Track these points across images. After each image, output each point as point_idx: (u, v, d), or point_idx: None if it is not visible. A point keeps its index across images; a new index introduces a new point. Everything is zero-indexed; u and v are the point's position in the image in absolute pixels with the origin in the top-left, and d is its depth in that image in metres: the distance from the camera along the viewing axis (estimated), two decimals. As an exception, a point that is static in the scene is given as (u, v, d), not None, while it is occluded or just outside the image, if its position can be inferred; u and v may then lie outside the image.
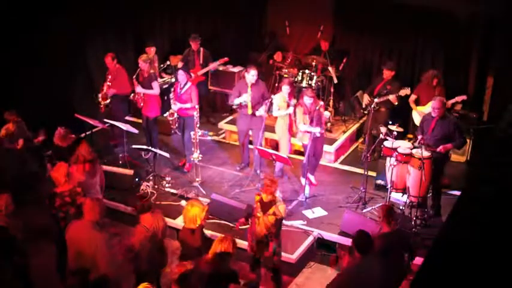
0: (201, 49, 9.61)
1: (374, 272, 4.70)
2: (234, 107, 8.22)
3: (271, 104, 7.76)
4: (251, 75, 7.82)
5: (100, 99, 8.57)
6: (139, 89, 8.27)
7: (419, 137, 6.96)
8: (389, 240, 5.16)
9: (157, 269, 5.47)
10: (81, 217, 5.16)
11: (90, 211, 5.09)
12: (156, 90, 8.29)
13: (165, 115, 8.20)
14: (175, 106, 8.00)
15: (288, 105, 7.76)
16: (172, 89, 8.12)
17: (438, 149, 6.69)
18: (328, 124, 8.98)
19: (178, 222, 7.02)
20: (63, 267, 5.93)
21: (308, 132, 7.44)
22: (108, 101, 8.58)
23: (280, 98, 7.74)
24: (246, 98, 7.89)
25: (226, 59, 9.87)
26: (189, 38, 9.60)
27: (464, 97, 8.23)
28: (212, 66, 9.76)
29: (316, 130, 7.37)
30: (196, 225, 5.27)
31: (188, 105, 7.92)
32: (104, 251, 5.00)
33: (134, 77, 8.29)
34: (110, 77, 8.61)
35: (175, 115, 8.04)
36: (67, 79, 9.14)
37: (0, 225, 5.34)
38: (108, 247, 5.11)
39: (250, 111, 7.96)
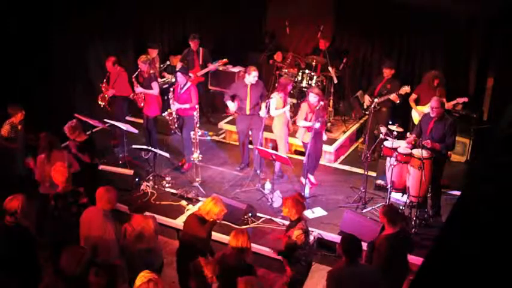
0: (201, 49, 9.62)
1: (368, 277, 4.68)
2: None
3: (270, 103, 7.74)
4: (252, 76, 7.81)
5: (100, 101, 8.58)
6: (139, 89, 8.29)
7: (412, 136, 6.96)
8: (394, 242, 5.12)
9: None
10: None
11: (100, 199, 5.25)
12: (155, 90, 8.30)
13: (163, 114, 8.21)
14: (174, 106, 8.01)
15: (284, 104, 7.76)
16: (171, 89, 8.13)
17: (424, 142, 6.66)
18: (328, 124, 8.99)
19: (179, 222, 7.03)
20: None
21: (308, 128, 7.42)
22: (105, 102, 8.57)
23: (278, 98, 7.73)
24: (232, 106, 7.98)
25: (225, 60, 9.89)
26: (189, 38, 9.61)
27: (465, 99, 8.23)
28: (212, 67, 9.77)
29: (315, 125, 7.34)
30: (209, 218, 5.29)
31: (187, 106, 7.92)
32: (113, 238, 5.16)
33: (134, 76, 8.30)
34: (105, 80, 8.60)
35: (174, 115, 8.05)
36: (67, 79, 9.14)
37: (24, 225, 5.31)
38: (117, 234, 5.22)
39: (248, 112, 7.96)
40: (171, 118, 8.07)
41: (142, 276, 4.25)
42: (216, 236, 6.23)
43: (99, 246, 5.21)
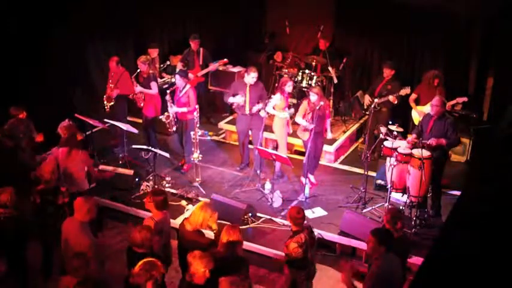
0: (201, 49, 9.61)
1: (397, 268, 4.73)
2: (229, 103, 8.23)
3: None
4: (251, 77, 7.82)
5: (105, 101, 8.58)
6: (138, 88, 8.30)
7: (412, 137, 6.96)
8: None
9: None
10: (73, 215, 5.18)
11: (78, 210, 5.08)
12: (154, 90, 8.29)
13: (161, 117, 8.19)
14: (171, 109, 8.00)
15: (286, 104, 7.76)
16: (168, 92, 8.11)
17: (429, 141, 6.67)
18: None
19: (179, 222, 7.02)
20: (49, 266, 5.97)
21: (306, 129, 7.44)
22: (112, 102, 8.58)
23: (280, 98, 7.73)
24: (240, 100, 7.90)
25: (225, 60, 9.89)
26: (189, 38, 9.61)
27: (465, 99, 8.23)
28: (212, 67, 9.77)
29: (308, 125, 7.38)
30: (205, 227, 5.24)
31: (185, 109, 7.91)
32: (88, 251, 4.92)
33: (133, 76, 8.31)
34: (110, 80, 8.60)
35: (171, 117, 8.04)
36: (67, 79, 9.14)
37: (15, 215, 5.34)
38: (93, 249, 4.99)
39: (247, 112, 7.96)
40: (168, 121, 8.06)
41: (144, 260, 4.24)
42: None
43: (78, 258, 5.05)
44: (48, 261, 6.00)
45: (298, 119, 7.57)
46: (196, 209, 5.25)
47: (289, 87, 7.74)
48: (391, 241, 4.69)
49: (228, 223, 6.81)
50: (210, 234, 5.54)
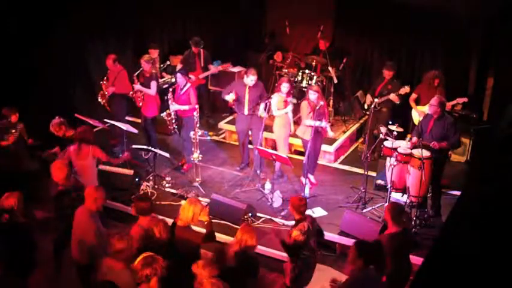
0: (201, 51, 9.59)
1: (372, 284, 4.68)
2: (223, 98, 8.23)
3: (270, 104, 7.73)
4: (250, 79, 7.82)
5: (100, 99, 8.58)
6: (137, 86, 8.30)
7: (414, 139, 6.96)
8: (399, 241, 5.12)
9: None
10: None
11: (87, 198, 5.16)
12: (152, 90, 8.29)
13: (162, 115, 8.22)
14: (172, 106, 8.01)
15: (286, 104, 7.75)
16: (170, 90, 8.12)
17: (431, 144, 6.68)
18: (328, 124, 8.97)
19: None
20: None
21: (311, 126, 7.42)
22: (105, 100, 8.57)
23: (278, 98, 7.73)
24: (230, 98, 7.91)
25: (229, 63, 9.89)
26: (189, 38, 9.59)
27: (465, 99, 8.24)
28: (214, 70, 9.77)
29: (321, 124, 7.40)
30: (195, 223, 5.24)
31: (186, 107, 7.92)
32: (94, 239, 5.03)
33: (135, 74, 8.30)
34: (105, 78, 8.59)
35: (172, 115, 8.05)
36: (67, 79, 9.14)
37: (19, 222, 5.31)
38: (99, 236, 5.09)
39: (246, 112, 7.96)
40: (169, 118, 8.07)
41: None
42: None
43: (83, 245, 5.14)
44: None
45: (308, 121, 7.48)
46: (186, 204, 5.25)
47: (284, 88, 7.71)
48: (370, 256, 4.60)
49: (231, 223, 6.90)
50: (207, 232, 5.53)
